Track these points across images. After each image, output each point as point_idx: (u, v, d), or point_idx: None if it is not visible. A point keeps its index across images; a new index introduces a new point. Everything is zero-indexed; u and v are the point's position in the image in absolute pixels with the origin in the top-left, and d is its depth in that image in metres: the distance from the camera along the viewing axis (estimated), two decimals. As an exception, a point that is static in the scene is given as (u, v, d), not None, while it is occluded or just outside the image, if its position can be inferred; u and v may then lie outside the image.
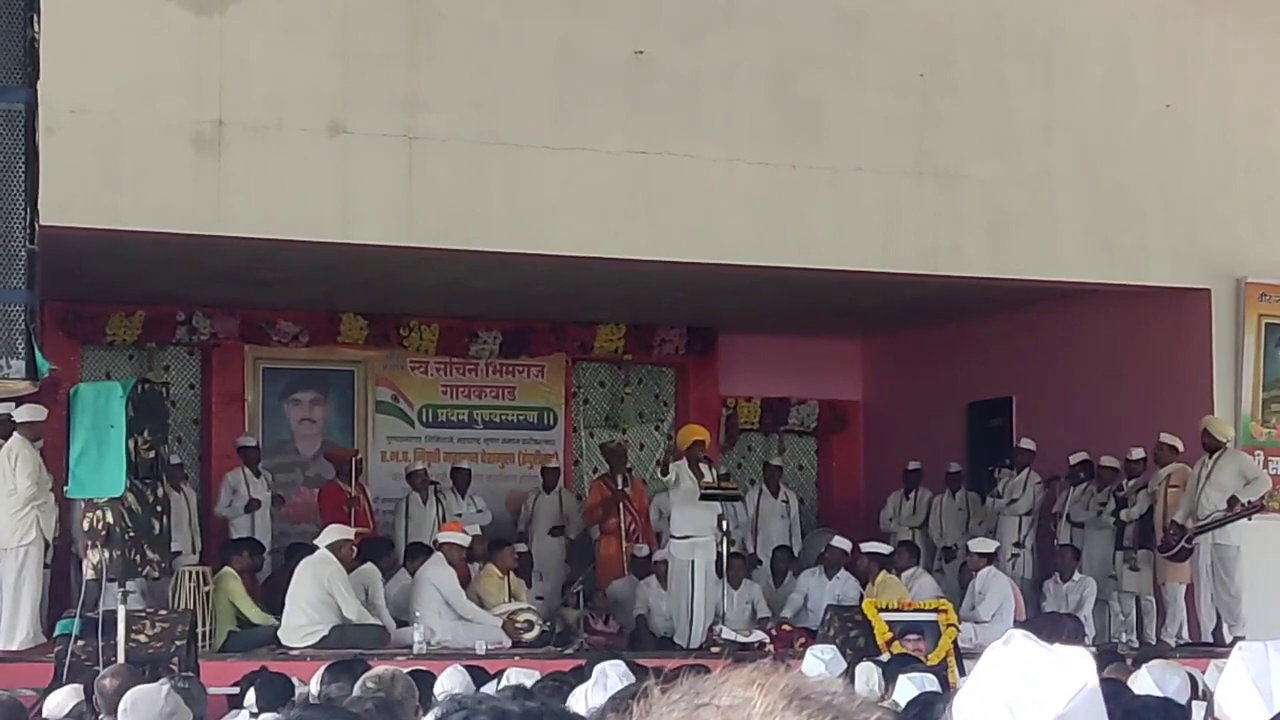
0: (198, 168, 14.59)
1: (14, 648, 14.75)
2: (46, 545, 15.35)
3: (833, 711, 1.95)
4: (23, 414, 15.00)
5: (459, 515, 18.38)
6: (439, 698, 8.50)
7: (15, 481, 14.92)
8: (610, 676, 7.56)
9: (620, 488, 18.81)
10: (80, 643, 12.35)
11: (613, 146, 15.74)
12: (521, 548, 18.49)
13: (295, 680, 9.32)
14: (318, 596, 15.47)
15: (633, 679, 7.45)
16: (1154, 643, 17.31)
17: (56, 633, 13.56)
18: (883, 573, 17.42)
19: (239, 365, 19.98)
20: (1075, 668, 2.34)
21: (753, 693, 1.95)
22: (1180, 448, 17.44)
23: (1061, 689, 2.31)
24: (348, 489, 18.30)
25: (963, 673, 13.12)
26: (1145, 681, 7.40)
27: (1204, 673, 8.61)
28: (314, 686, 8.75)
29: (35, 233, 6.41)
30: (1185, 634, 17.38)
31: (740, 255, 16.30)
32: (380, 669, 7.87)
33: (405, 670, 8.05)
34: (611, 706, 5.82)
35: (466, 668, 9.30)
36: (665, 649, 16.21)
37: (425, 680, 8.36)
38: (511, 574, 17.18)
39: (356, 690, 7.41)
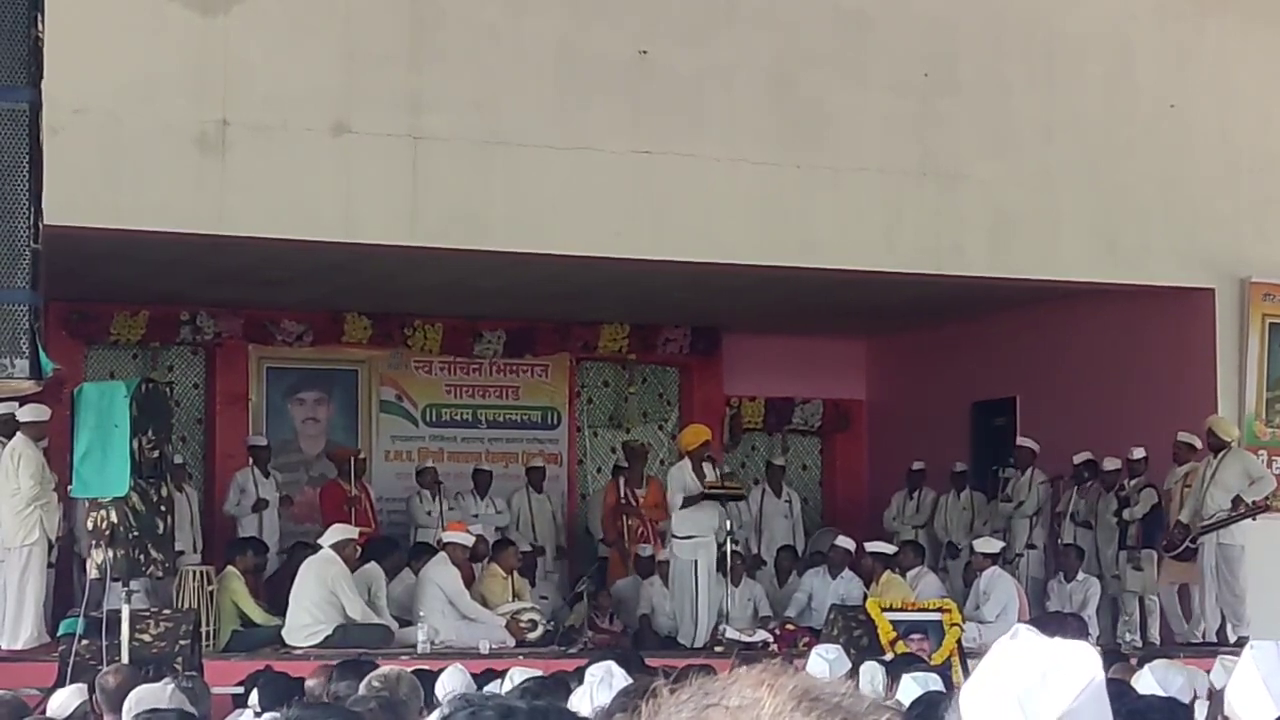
0: (201, 167, 14.59)
1: (18, 647, 14.75)
2: (50, 545, 15.36)
3: (842, 713, 1.95)
4: (26, 414, 14.99)
5: (475, 516, 18.47)
6: (441, 697, 8.52)
7: (19, 481, 14.91)
8: (610, 677, 7.56)
9: (624, 487, 18.85)
10: (84, 642, 12.35)
11: (615, 146, 15.74)
12: (526, 547, 18.51)
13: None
14: (321, 596, 15.47)
15: (628, 680, 7.44)
16: (1158, 643, 17.30)
17: (60, 632, 13.55)
18: (886, 572, 17.41)
19: (243, 365, 19.99)
20: (1083, 662, 2.35)
21: (762, 693, 1.95)
22: (1199, 445, 17.39)
23: (1070, 683, 2.32)
24: (349, 488, 18.30)
25: (967, 673, 13.11)
26: (1148, 681, 7.40)
27: (1209, 672, 8.61)
28: (311, 683, 8.76)
29: (39, 232, 6.41)
30: (1198, 633, 17.34)
31: (743, 255, 16.30)
32: (386, 669, 7.87)
33: (409, 670, 8.05)
34: (619, 706, 5.82)
35: (472, 672, 9.28)
36: (669, 649, 16.20)
37: (428, 680, 8.37)
38: (515, 573, 17.19)
39: (361, 689, 7.42)
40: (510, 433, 20.88)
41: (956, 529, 19.90)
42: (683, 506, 16.89)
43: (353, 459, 18.65)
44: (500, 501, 19.19)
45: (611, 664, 7.80)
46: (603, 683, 7.47)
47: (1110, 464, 18.31)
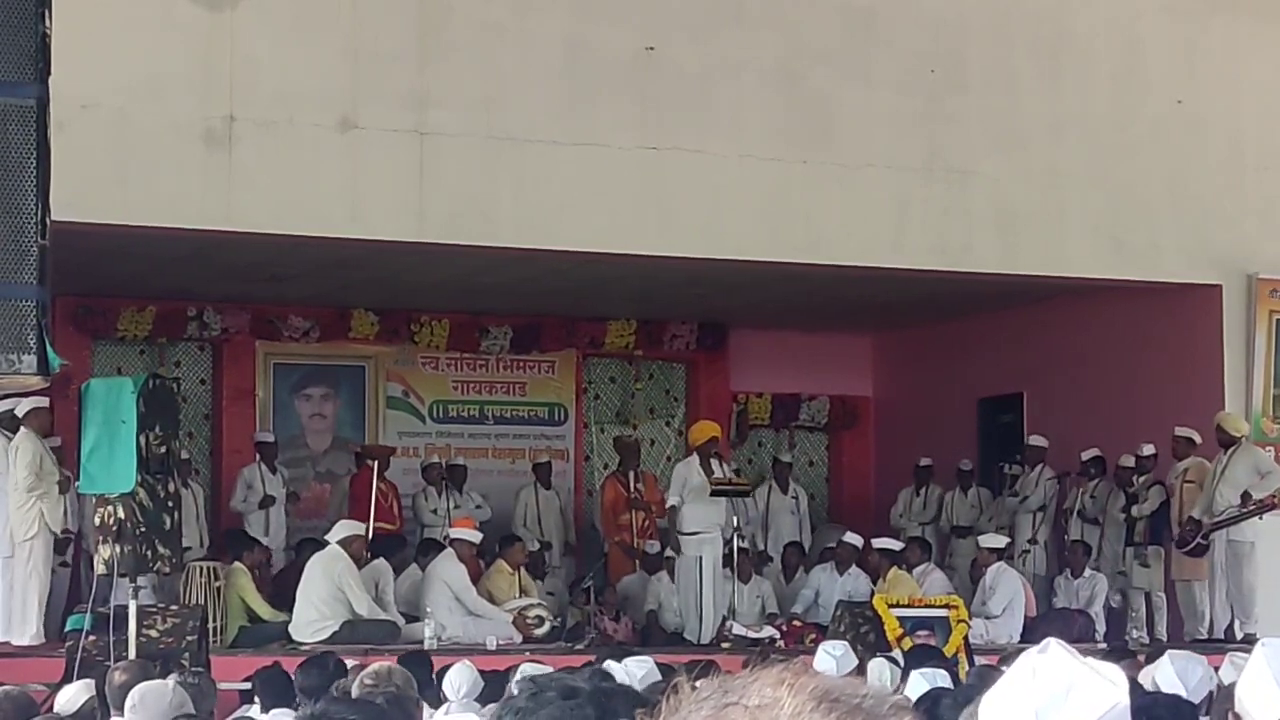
0: (208, 163, 14.59)
1: (25, 643, 14.73)
2: (57, 540, 15.32)
3: (862, 714, 1.95)
4: (24, 407, 14.94)
5: (457, 508, 18.43)
6: (448, 693, 8.53)
7: (17, 474, 14.87)
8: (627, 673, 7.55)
9: (633, 484, 18.83)
10: (91, 638, 12.35)
11: (623, 142, 15.74)
12: (533, 544, 18.49)
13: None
14: (329, 592, 15.47)
15: (658, 676, 7.44)
16: (1165, 639, 17.29)
17: (68, 628, 13.55)
18: (893, 569, 17.39)
19: (250, 360, 19.99)
20: (1109, 684, 2.33)
21: (782, 693, 1.94)
22: (1198, 440, 17.38)
23: (1093, 704, 2.30)
24: (379, 484, 18.22)
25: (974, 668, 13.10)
26: (1168, 672, 7.33)
27: (1219, 669, 8.58)
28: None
29: (47, 228, 6.41)
30: (1203, 630, 17.32)
31: (750, 251, 16.29)
32: (375, 666, 7.88)
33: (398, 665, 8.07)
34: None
35: (479, 669, 9.27)
36: (676, 645, 16.20)
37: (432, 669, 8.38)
38: (522, 570, 17.18)
39: (355, 690, 7.42)
40: (517, 429, 20.88)
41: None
42: (690, 503, 16.88)
43: (358, 454, 18.66)
44: (477, 495, 19.10)
45: (633, 660, 7.83)
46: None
47: (1126, 460, 18.28)
